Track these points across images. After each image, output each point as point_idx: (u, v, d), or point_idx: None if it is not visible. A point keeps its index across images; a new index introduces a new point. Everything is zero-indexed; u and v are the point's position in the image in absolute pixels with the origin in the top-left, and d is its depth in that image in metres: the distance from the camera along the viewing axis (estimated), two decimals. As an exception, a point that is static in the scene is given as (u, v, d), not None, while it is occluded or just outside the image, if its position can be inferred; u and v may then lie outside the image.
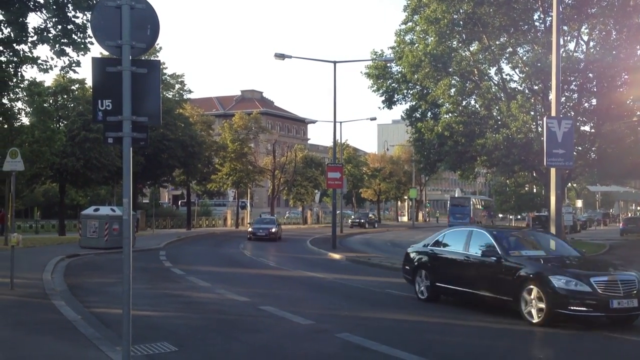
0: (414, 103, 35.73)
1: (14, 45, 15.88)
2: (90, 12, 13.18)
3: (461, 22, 29.25)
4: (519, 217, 72.51)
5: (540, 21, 29.45)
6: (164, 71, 42.98)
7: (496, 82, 30.92)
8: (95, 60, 6.51)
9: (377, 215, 75.33)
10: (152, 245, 29.04)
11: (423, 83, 31.36)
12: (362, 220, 60.07)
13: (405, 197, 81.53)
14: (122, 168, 6.45)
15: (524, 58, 29.16)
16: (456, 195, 73.46)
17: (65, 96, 34.34)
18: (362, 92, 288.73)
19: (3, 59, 16.99)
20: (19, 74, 18.74)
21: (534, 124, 28.10)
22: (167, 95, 42.80)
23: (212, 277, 16.85)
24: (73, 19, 14.91)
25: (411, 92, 35.16)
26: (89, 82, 31.29)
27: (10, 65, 17.40)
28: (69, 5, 14.74)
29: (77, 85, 34.50)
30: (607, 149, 28.42)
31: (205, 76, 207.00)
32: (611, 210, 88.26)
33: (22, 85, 22.92)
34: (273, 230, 36.47)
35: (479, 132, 28.77)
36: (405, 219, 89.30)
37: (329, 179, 32.75)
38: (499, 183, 63.08)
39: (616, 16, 27.44)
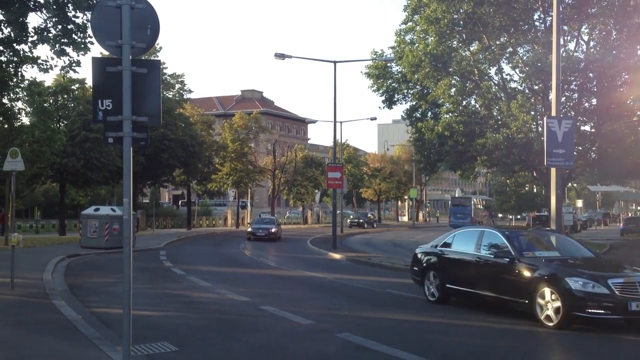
0: (414, 103, 35.76)
1: (14, 45, 15.91)
2: (90, 12, 13.22)
3: (461, 22, 29.26)
4: (519, 217, 72.62)
5: (541, 21, 29.50)
6: (164, 71, 42.94)
7: (496, 82, 30.94)
8: (95, 60, 6.51)
9: (377, 215, 75.32)
10: (153, 245, 29.03)
11: (423, 83, 31.38)
12: (361, 220, 60.01)
13: (406, 197, 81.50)
14: (123, 168, 6.46)
15: (524, 58, 29.18)
16: (456, 195, 73.52)
17: (66, 96, 34.39)
18: (362, 92, 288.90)
19: (3, 58, 17.01)
20: (19, 73, 18.79)
21: (534, 123, 28.10)
22: (167, 95, 42.74)
23: (213, 277, 16.84)
24: (73, 18, 14.96)
25: (411, 92, 35.19)
26: (89, 82, 31.11)
27: (11, 65, 17.44)
28: (69, 5, 14.76)
29: (77, 85, 34.52)
30: (607, 148, 28.43)
31: (205, 76, 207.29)
32: (611, 210, 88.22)
33: (22, 85, 22.86)
34: (273, 230, 36.31)
35: (479, 132, 28.78)
36: (405, 218, 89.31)
37: (329, 178, 32.69)
38: (499, 183, 63.15)
39: (616, 16, 27.46)
